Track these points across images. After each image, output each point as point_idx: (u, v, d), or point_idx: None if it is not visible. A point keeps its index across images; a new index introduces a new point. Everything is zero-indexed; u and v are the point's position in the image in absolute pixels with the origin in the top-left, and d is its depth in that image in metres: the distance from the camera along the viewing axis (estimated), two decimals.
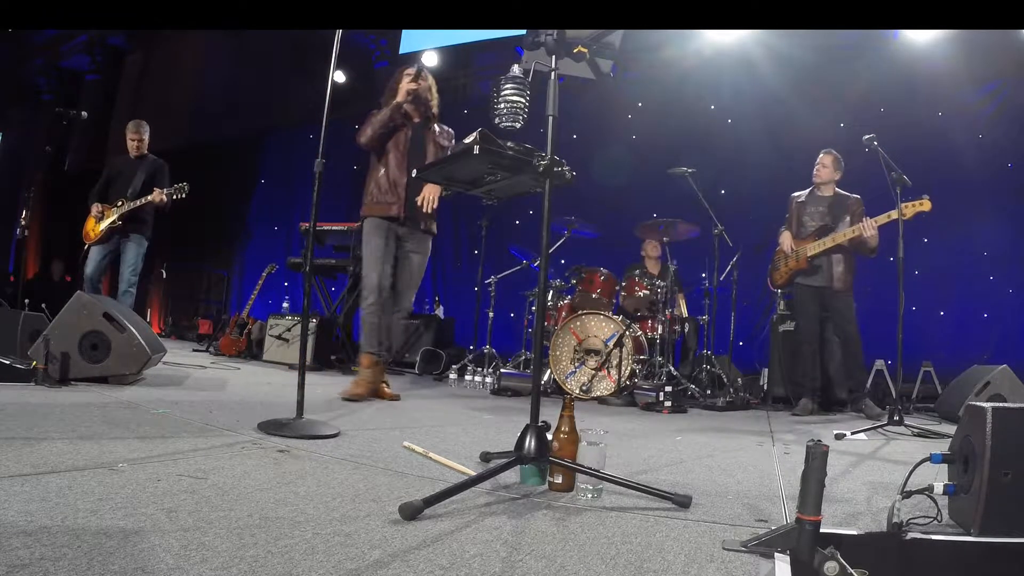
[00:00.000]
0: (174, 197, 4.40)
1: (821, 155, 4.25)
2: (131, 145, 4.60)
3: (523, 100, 1.80)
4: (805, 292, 4.22)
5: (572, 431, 1.68)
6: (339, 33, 2.30)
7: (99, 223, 4.46)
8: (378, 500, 1.42)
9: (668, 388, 3.92)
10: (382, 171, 3.45)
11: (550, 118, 1.73)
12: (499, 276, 5.54)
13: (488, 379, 4.76)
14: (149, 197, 4.38)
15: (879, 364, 4.82)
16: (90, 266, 4.50)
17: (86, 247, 4.55)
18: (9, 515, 1.10)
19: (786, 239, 4.27)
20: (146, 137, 4.64)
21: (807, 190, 4.32)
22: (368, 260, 3.44)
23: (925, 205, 3.65)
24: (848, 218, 4.08)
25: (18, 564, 0.90)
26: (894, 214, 3.68)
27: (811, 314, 4.23)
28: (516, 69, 1.82)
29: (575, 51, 1.79)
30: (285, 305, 6.44)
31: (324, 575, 0.98)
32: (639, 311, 4.76)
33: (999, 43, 5.35)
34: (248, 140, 10.20)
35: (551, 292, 4.94)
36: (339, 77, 7.44)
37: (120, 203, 4.42)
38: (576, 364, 4.37)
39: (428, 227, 3.56)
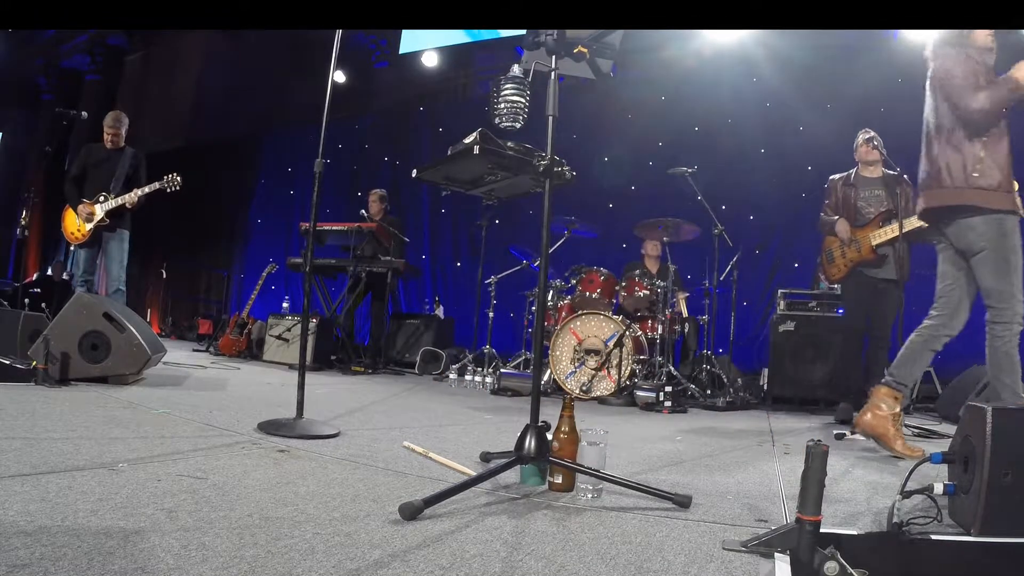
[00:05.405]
0: (167, 190, 4.23)
1: (863, 136, 3.83)
2: (108, 137, 4.37)
3: (523, 100, 1.80)
4: (867, 283, 3.77)
5: (572, 431, 1.68)
6: (339, 33, 2.30)
7: (86, 223, 4.28)
8: (378, 500, 1.42)
9: (668, 388, 3.92)
10: (1006, 152, 2.49)
11: (550, 118, 1.73)
12: (499, 276, 5.54)
13: (488, 379, 4.75)
14: (139, 192, 4.22)
15: None
16: (80, 266, 4.38)
17: (72, 247, 4.41)
18: (9, 515, 1.10)
19: (843, 227, 3.78)
20: (123, 131, 4.42)
21: (849, 172, 3.93)
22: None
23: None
24: (904, 202, 3.57)
25: (18, 564, 0.90)
26: (914, 220, 3.19)
27: (864, 309, 3.82)
28: (516, 69, 1.82)
29: (575, 51, 1.80)
30: (285, 305, 6.44)
31: (324, 575, 0.98)
32: (639, 311, 4.76)
33: (999, 43, 5.34)
34: (248, 140, 10.22)
35: (551, 292, 4.94)
36: (339, 77, 7.44)
37: (102, 197, 4.25)
38: (576, 364, 4.37)
39: None
